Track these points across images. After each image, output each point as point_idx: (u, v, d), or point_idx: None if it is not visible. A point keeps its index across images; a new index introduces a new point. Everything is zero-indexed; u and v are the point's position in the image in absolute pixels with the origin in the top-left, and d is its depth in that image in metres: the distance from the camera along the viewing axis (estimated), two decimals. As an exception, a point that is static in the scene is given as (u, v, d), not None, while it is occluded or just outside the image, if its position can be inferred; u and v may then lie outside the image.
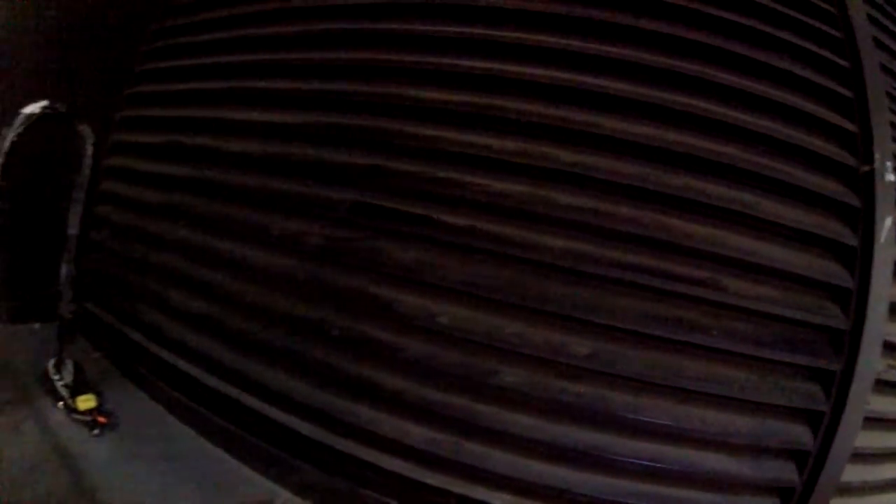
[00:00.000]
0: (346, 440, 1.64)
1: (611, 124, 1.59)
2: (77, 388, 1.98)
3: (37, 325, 2.49)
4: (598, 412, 1.55)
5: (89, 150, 1.99)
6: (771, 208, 1.60)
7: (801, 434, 1.56)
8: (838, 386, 1.54)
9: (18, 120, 1.83)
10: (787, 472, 1.57)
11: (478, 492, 1.61)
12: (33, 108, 1.86)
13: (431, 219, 1.56)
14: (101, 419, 1.89)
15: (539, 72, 1.59)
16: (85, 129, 1.95)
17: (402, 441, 1.59)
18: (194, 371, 1.91)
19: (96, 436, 1.87)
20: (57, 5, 2.45)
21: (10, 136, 1.82)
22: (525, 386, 1.55)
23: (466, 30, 1.68)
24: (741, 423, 1.56)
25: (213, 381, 1.86)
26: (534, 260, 1.55)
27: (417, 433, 1.59)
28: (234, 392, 1.80)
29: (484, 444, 1.59)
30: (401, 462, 1.63)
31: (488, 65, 1.63)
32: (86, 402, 1.92)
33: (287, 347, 1.70)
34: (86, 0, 2.54)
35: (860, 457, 1.62)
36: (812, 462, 1.55)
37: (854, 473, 1.61)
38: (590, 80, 1.60)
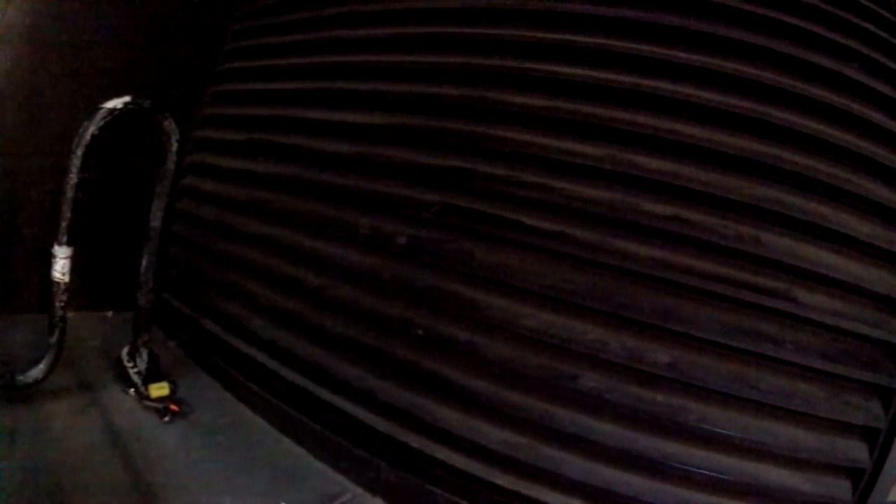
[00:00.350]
0: (420, 438, 1.67)
1: (695, 133, 1.61)
2: (150, 376, 2.02)
3: (109, 314, 2.55)
4: (674, 421, 1.55)
5: (174, 145, 2.01)
6: (846, 221, 1.61)
7: (858, 451, 1.56)
8: (897, 404, 1.54)
9: (99, 114, 1.82)
10: (841, 489, 1.57)
11: (549, 496, 1.62)
12: (115, 102, 1.85)
13: (520, 222, 1.57)
14: (174, 407, 1.94)
15: (628, 79, 1.62)
16: (170, 125, 1.98)
17: (477, 441, 1.62)
18: (271, 363, 1.95)
19: (167, 423, 1.92)
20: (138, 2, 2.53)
21: (91, 129, 1.81)
22: (604, 392, 1.57)
23: (558, 36, 1.71)
24: (806, 438, 1.55)
25: (289, 374, 1.89)
26: (618, 266, 1.57)
27: (494, 434, 1.61)
28: (310, 385, 1.83)
29: (560, 448, 1.60)
30: (474, 462, 1.65)
31: (579, 71, 1.66)
32: (159, 389, 1.97)
33: (368, 344, 1.74)
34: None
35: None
36: (866, 480, 1.55)
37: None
38: (677, 88, 1.62)
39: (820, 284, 1.57)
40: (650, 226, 1.56)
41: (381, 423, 1.69)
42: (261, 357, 2.00)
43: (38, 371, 1.83)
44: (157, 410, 1.94)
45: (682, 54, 1.62)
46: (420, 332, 1.65)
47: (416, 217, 1.75)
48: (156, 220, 2.02)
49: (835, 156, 1.61)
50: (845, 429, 1.57)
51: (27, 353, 1.90)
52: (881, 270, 1.61)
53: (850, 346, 1.56)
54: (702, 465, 1.53)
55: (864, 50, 1.68)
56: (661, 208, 1.57)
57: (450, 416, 1.62)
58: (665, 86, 1.61)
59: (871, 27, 1.70)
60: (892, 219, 1.64)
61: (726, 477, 1.54)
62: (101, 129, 1.80)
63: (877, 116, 1.66)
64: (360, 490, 1.77)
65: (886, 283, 1.60)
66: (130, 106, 1.85)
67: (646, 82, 1.61)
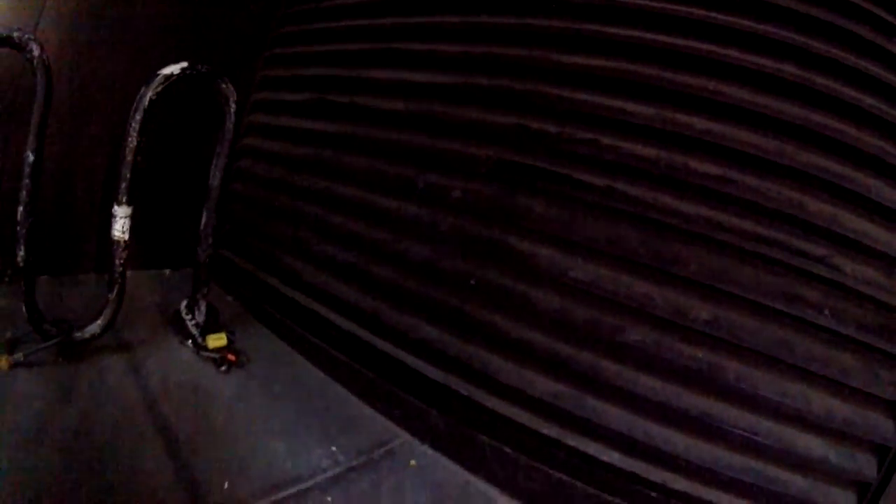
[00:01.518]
0: (470, 386, 1.75)
1: (745, 96, 1.63)
2: (208, 328, 2.13)
3: (167, 272, 2.64)
4: (713, 379, 1.59)
5: (232, 107, 2.09)
6: (889, 194, 1.60)
7: (887, 428, 1.56)
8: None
9: (157, 80, 1.89)
10: (868, 465, 1.57)
11: (590, 447, 1.68)
12: (172, 68, 1.91)
13: (571, 178, 1.62)
14: (231, 357, 2.04)
15: (679, 41, 1.67)
16: (227, 88, 2.07)
17: (525, 391, 1.69)
18: (328, 314, 2.03)
19: (224, 373, 2.01)
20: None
21: (149, 95, 1.88)
22: (648, 346, 1.62)
23: None
24: (838, 408, 1.57)
25: (344, 323, 1.97)
26: (665, 223, 1.63)
27: (541, 384, 1.68)
28: (365, 334, 1.90)
29: (602, 400, 1.67)
30: (520, 411, 1.72)
31: (631, 32, 1.70)
32: (216, 340, 2.07)
33: (423, 294, 1.81)
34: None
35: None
36: (890, 458, 1.54)
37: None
38: (728, 52, 1.65)
39: (860, 254, 1.58)
40: (697, 184, 1.61)
41: (432, 372, 1.78)
42: (317, 307, 2.11)
43: (95, 327, 1.91)
44: (214, 361, 2.04)
45: (734, 19, 1.64)
46: (473, 282, 1.72)
47: (472, 172, 1.82)
48: (215, 179, 2.10)
49: (883, 130, 1.61)
50: (875, 403, 1.57)
51: (86, 312, 1.96)
52: None
53: (885, 319, 1.57)
54: (737, 424, 1.56)
55: None
56: (708, 168, 1.62)
57: (499, 365, 1.70)
58: (714, 48, 1.65)
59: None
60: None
61: (760, 439, 1.56)
62: (158, 94, 1.86)
63: None
64: (409, 436, 1.86)
65: None
66: (188, 71, 1.91)
67: (699, 45, 1.65)
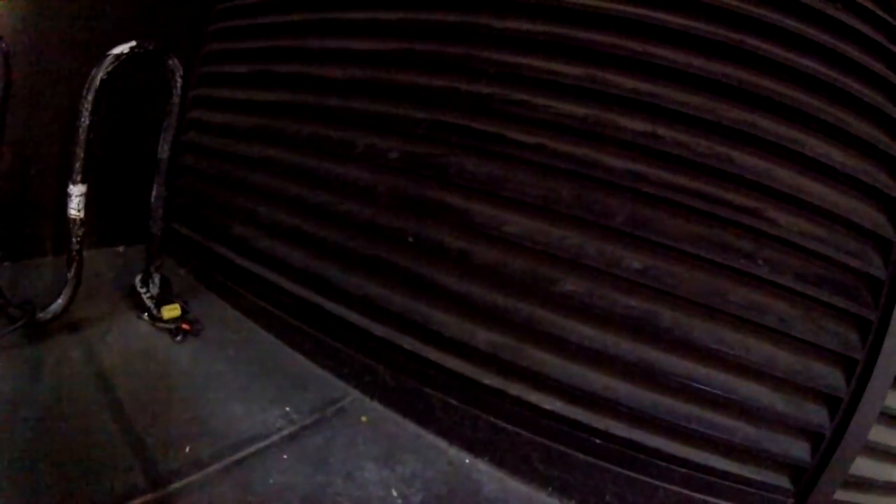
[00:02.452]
0: (414, 340, 1.80)
1: (671, 55, 1.68)
2: (162, 300, 2.16)
3: (121, 248, 2.65)
4: (648, 326, 1.64)
5: (178, 81, 2.10)
6: (821, 149, 1.64)
7: (835, 379, 1.58)
8: (874, 334, 1.55)
9: (107, 60, 1.83)
10: (819, 416, 1.59)
11: (532, 395, 1.73)
12: (122, 48, 1.84)
13: (503, 136, 1.67)
14: (185, 326, 2.08)
15: (607, 4, 1.70)
16: (174, 63, 2.07)
17: (467, 343, 1.74)
18: (276, 278, 2.09)
19: (180, 342, 2.05)
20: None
21: (100, 75, 1.86)
22: (583, 295, 1.67)
23: None
24: (781, 358, 1.60)
25: (293, 287, 2.01)
26: (595, 177, 1.68)
27: (481, 336, 1.73)
28: (312, 296, 1.95)
29: (542, 349, 1.72)
30: (464, 363, 1.77)
31: None
32: (171, 311, 2.11)
33: (366, 254, 1.87)
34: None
35: (890, 418, 1.61)
36: (843, 410, 1.56)
37: (882, 435, 1.61)
38: (655, 14, 1.68)
39: (795, 208, 1.61)
40: (627, 140, 1.65)
41: (378, 329, 1.83)
42: (267, 273, 2.15)
43: (56, 306, 1.93)
44: (169, 331, 2.07)
45: None
46: (411, 239, 1.77)
47: (409, 133, 1.86)
48: (164, 153, 2.12)
49: (808, 86, 1.65)
50: (821, 353, 1.60)
51: (46, 294, 1.98)
52: (862, 203, 1.64)
53: (826, 272, 1.60)
54: (675, 371, 1.61)
55: None
56: (637, 125, 1.66)
57: (441, 319, 1.76)
58: (643, 11, 1.69)
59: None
60: (870, 153, 1.65)
61: (699, 385, 1.60)
62: (109, 73, 1.87)
63: (856, 53, 1.68)
64: (359, 394, 1.92)
65: (868, 217, 1.62)
66: (136, 50, 1.91)
67: (624, 7, 1.69)
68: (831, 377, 1.59)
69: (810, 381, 1.57)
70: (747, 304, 1.60)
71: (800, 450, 1.60)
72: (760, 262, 1.60)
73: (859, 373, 1.56)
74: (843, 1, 1.70)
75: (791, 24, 1.64)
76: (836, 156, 1.64)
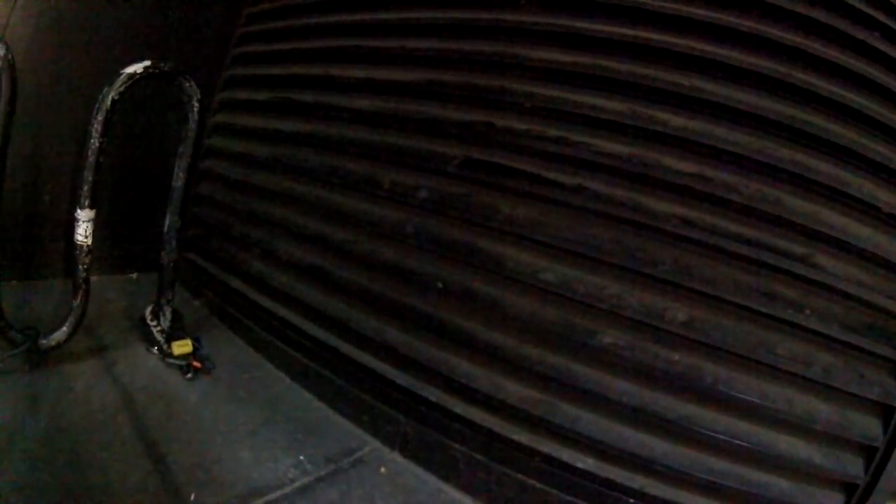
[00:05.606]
0: (440, 392, 1.70)
1: (719, 91, 1.58)
2: (173, 334, 2.06)
3: (134, 275, 2.56)
4: (691, 382, 1.54)
5: (195, 106, 2.01)
6: (871, 191, 1.56)
7: (873, 428, 1.53)
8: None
9: (119, 80, 1.79)
10: (854, 466, 1.54)
11: (563, 453, 1.62)
12: (135, 67, 1.81)
13: (540, 176, 1.56)
14: (196, 364, 1.98)
15: (651, 35, 1.61)
16: (191, 87, 1.99)
17: (495, 396, 1.64)
18: (294, 318, 1.99)
19: (190, 379, 1.95)
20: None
21: (111, 95, 1.78)
22: (622, 349, 1.57)
23: None
24: (822, 409, 1.53)
25: (312, 329, 1.92)
26: (638, 222, 1.58)
27: (512, 390, 1.63)
28: (332, 340, 1.85)
29: (576, 405, 1.62)
30: (492, 417, 1.67)
31: (600, 27, 1.65)
32: (181, 347, 2.01)
33: (390, 298, 1.76)
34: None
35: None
36: (878, 459, 1.51)
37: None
38: (702, 46, 1.59)
39: (842, 252, 1.54)
40: (672, 182, 1.56)
41: (401, 377, 1.72)
42: (284, 312, 2.05)
43: (60, 334, 1.84)
44: (179, 368, 1.97)
45: (708, 12, 1.59)
46: (440, 285, 1.66)
47: (439, 171, 1.76)
48: (178, 181, 2.03)
49: (860, 124, 1.57)
50: (860, 403, 1.54)
51: (51, 318, 1.91)
52: None
53: (869, 318, 1.53)
54: (715, 428, 1.52)
55: (888, 20, 1.62)
56: (683, 165, 1.57)
57: (469, 371, 1.65)
58: (688, 42, 1.60)
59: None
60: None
61: (740, 442, 1.52)
62: (121, 94, 1.78)
63: None
64: (378, 444, 1.80)
65: None
66: (150, 70, 1.83)
67: (668, 38, 1.61)
68: (869, 427, 1.52)
69: (848, 432, 1.52)
70: (792, 356, 1.52)
71: (833, 502, 1.53)
72: (808, 311, 1.52)
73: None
74: (884, 31, 1.62)
75: (835, 56, 1.56)
76: (882, 196, 1.56)
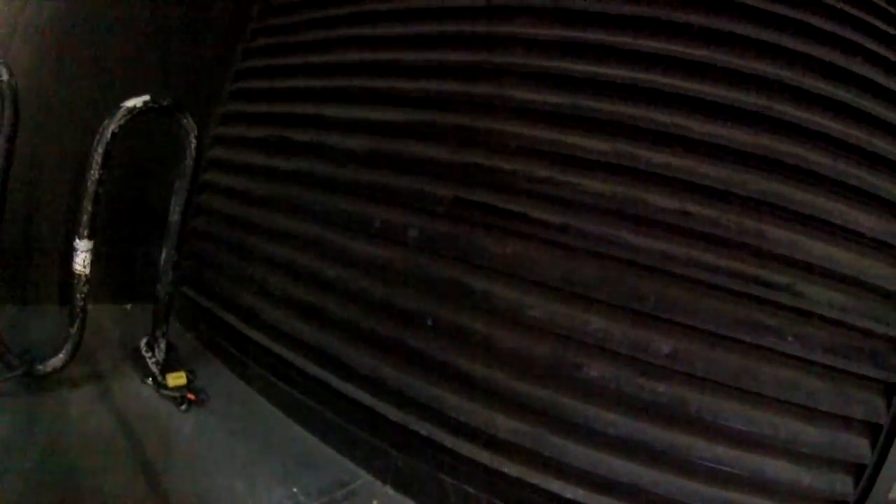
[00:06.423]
0: (430, 426, 1.71)
1: (698, 127, 1.61)
2: (168, 366, 2.07)
3: (128, 306, 2.56)
4: (677, 412, 1.56)
5: (193, 142, 2.04)
6: (850, 216, 1.59)
7: (860, 447, 1.55)
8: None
9: (119, 113, 1.79)
10: (843, 485, 1.55)
11: (553, 484, 1.63)
12: (135, 101, 1.82)
13: (527, 216, 1.59)
14: (190, 396, 1.99)
15: (629, 74, 1.65)
16: (188, 122, 2.02)
17: (485, 430, 1.66)
18: (287, 353, 2.01)
19: (184, 411, 1.96)
20: (159, 2, 2.54)
21: (111, 127, 1.81)
22: (608, 381, 1.59)
23: (562, 33, 1.73)
24: (808, 432, 1.54)
25: (304, 364, 1.93)
26: (621, 258, 1.60)
27: (501, 423, 1.65)
28: (324, 375, 1.87)
29: (565, 437, 1.63)
30: (481, 450, 1.68)
31: (584, 67, 1.69)
32: (176, 378, 2.02)
33: (381, 334, 1.79)
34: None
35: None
36: (867, 475, 1.53)
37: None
38: (679, 83, 1.62)
39: (824, 279, 1.56)
40: (654, 219, 1.58)
41: (392, 412, 1.74)
42: (276, 347, 2.07)
43: (57, 360, 1.85)
44: (173, 399, 1.98)
45: (682, 49, 1.63)
46: (430, 321, 1.69)
47: (429, 210, 1.79)
48: (175, 215, 2.05)
49: (837, 150, 1.60)
50: (847, 423, 1.55)
51: (47, 344, 1.90)
52: (886, 265, 1.59)
53: (853, 340, 1.55)
54: (703, 455, 1.54)
55: (869, 44, 1.67)
56: (665, 201, 1.60)
57: (459, 405, 1.67)
58: (667, 80, 1.63)
59: (875, 21, 1.70)
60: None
61: (728, 468, 1.54)
62: (121, 126, 1.81)
63: (880, 110, 1.65)
64: (370, 477, 1.81)
65: (892, 278, 1.58)
66: (150, 104, 1.86)
67: (648, 77, 1.64)
68: (857, 446, 1.54)
69: (836, 452, 1.54)
70: (776, 382, 1.54)
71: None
72: (790, 338, 1.55)
73: (883, 437, 1.51)
74: (865, 55, 1.66)
75: (810, 83, 1.60)
76: (861, 219, 1.59)
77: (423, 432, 1.71)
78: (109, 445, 1.69)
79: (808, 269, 1.55)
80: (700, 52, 1.63)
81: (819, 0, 1.65)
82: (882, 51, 1.68)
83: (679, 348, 1.55)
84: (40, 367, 1.82)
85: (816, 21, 1.64)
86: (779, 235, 1.56)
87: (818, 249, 1.56)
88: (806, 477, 1.53)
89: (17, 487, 1.40)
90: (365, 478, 1.81)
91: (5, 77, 1.69)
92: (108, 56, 2.43)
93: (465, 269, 1.70)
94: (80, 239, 1.80)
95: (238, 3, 2.78)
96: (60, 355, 1.84)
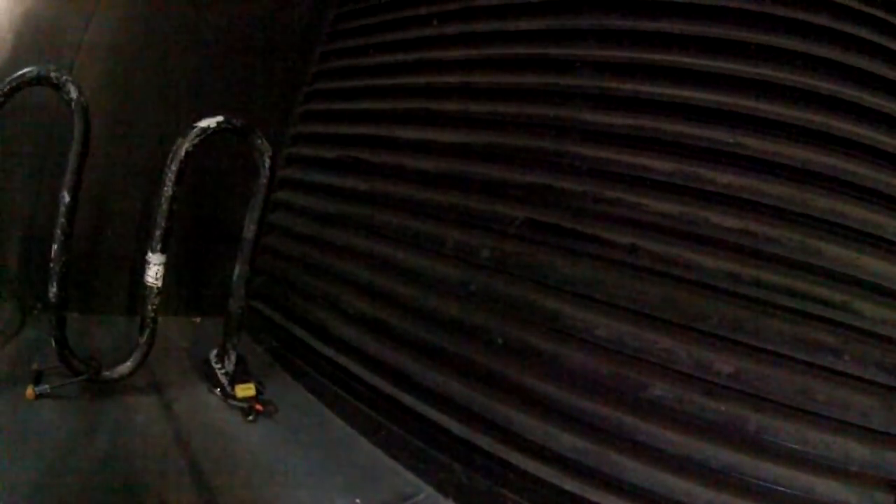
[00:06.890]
0: (494, 441, 1.74)
1: (758, 146, 1.63)
2: (237, 377, 2.13)
3: (197, 319, 2.66)
4: (735, 431, 1.56)
5: (267, 162, 2.11)
6: None
7: None
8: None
9: (193, 132, 1.89)
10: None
11: (612, 502, 1.64)
12: (209, 121, 1.91)
13: (597, 237, 1.64)
14: (258, 407, 2.04)
15: (693, 94, 1.67)
16: (262, 144, 2.09)
17: (548, 446, 1.68)
18: (355, 367, 2.06)
19: (251, 422, 2.01)
20: (227, 24, 2.60)
21: (185, 146, 1.90)
22: (672, 401, 1.60)
23: (632, 55, 1.77)
24: (859, 452, 1.52)
25: (371, 378, 1.99)
26: (686, 278, 1.62)
27: (565, 440, 1.66)
28: (390, 389, 1.91)
29: (626, 455, 1.64)
30: (543, 466, 1.70)
31: (651, 88, 1.72)
32: (245, 390, 2.08)
33: (449, 351, 1.84)
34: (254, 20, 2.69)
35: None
36: None
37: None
38: (741, 101, 1.64)
39: (881, 296, 1.55)
40: (718, 238, 1.60)
41: (456, 427, 1.79)
42: (345, 361, 2.13)
43: (124, 367, 1.93)
44: (241, 410, 2.03)
45: (743, 67, 1.65)
46: (500, 340, 1.74)
47: (500, 231, 1.84)
48: (249, 232, 2.12)
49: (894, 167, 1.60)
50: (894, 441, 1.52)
51: (113, 353, 1.98)
52: None
53: None
54: (758, 475, 1.53)
55: None
56: (729, 221, 1.61)
57: (523, 422, 1.70)
58: (729, 100, 1.65)
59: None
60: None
61: (780, 488, 1.52)
62: (194, 145, 1.89)
63: None
64: (433, 490, 1.84)
65: None
66: (223, 125, 1.94)
67: (712, 97, 1.66)
68: None
69: (883, 471, 1.49)
70: (831, 401, 1.52)
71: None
72: (846, 357, 1.53)
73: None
74: None
75: (869, 100, 1.60)
76: None
77: (487, 447, 1.74)
78: (172, 452, 1.73)
79: (864, 286, 1.54)
80: (760, 71, 1.65)
81: (886, 19, 1.65)
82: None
83: (741, 368, 1.55)
84: (107, 373, 1.89)
85: (877, 38, 1.65)
86: (836, 253, 1.56)
87: (874, 266, 1.56)
88: (853, 497, 1.49)
89: (75, 489, 1.43)
90: (428, 491, 1.83)
91: (75, 94, 1.74)
92: (176, 72, 2.51)
93: (535, 289, 1.75)
94: (152, 252, 1.88)
95: (306, 28, 2.86)
96: (128, 363, 1.92)
